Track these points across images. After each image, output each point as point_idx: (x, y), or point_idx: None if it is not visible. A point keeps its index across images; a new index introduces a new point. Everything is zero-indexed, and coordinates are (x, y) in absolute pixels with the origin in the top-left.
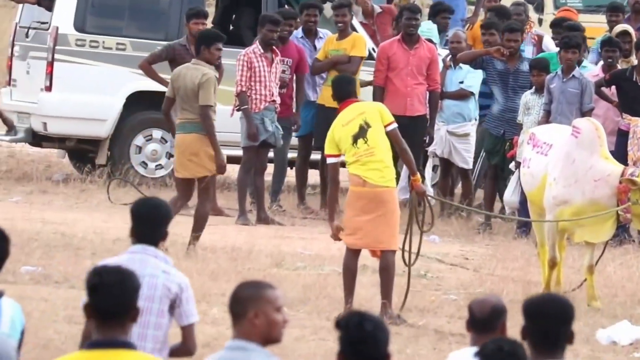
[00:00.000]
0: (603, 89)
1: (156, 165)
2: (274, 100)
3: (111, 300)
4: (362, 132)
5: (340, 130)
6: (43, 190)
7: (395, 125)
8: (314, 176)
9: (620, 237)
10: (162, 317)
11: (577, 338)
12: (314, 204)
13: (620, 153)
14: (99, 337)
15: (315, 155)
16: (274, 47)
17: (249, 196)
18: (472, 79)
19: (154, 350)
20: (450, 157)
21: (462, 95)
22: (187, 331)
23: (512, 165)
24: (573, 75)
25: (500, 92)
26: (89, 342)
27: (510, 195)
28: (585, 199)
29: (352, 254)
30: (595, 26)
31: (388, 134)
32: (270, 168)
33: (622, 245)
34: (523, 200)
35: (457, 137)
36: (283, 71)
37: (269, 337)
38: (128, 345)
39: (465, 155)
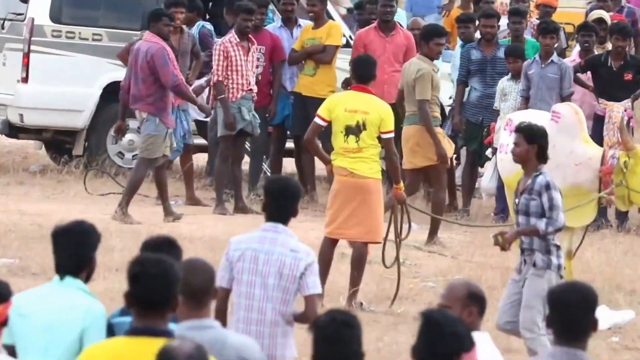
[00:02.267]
0: (578, 74)
1: (133, 156)
2: (251, 89)
3: (152, 291)
4: (357, 130)
5: (341, 111)
6: (20, 182)
7: (391, 135)
8: (291, 164)
9: (598, 222)
10: (288, 293)
11: None
12: None
13: (596, 138)
14: (139, 325)
15: (290, 144)
16: (250, 36)
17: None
18: None
19: (276, 322)
20: None
21: None
22: (309, 301)
23: (489, 152)
24: (552, 61)
25: (478, 80)
26: (129, 329)
27: (487, 181)
28: (567, 184)
29: (330, 243)
30: (573, 11)
31: (382, 139)
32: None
33: (600, 230)
34: (500, 186)
35: None
36: (257, 59)
37: None
38: (167, 334)
39: None
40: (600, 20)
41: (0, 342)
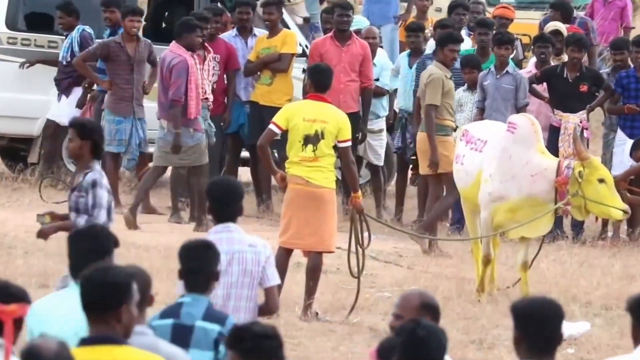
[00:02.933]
0: (534, 85)
1: None
2: (206, 98)
3: (95, 297)
4: (315, 139)
5: (300, 121)
6: None
7: (349, 143)
8: (246, 174)
9: (554, 233)
10: (252, 289)
11: (511, 335)
12: (248, 202)
13: (552, 149)
14: (90, 334)
15: (245, 154)
16: (205, 45)
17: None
18: (387, 76)
19: (247, 320)
20: (364, 154)
21: (378, 92)
22: (270, 292)
23: None
24: (507, 71)
25: None
26: (81, 339)
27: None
28: (522, 195)
29: (285, 253)
30: (529, 22)
31: (339, 148)
32: None
33: (556, 242)
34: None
35: (371, 134)
36: (212, 67)
37: None
38: (115, 341)
39: (379, 152)
40: (557, 32)
41: (13, 346)
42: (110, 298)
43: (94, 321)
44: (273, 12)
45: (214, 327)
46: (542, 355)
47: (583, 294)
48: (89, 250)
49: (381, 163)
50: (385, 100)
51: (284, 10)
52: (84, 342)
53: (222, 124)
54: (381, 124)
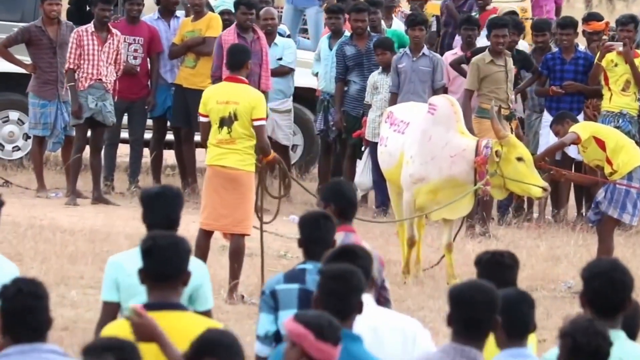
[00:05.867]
0: (464, 66)
1: (13, 147)
2: (100, 79)
3: (165, 263)
4: (229, 121)
5: (213, 103)
6: None
7: (263, 122)
8: (171, 156)
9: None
10: None
11: (437, 317)
12: (173, 184)
13: None
14: (153, 300)
15: (170, 136)
16: (109, 27)
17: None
18: (290, 55)
19: None
20: (272, 134)
21: (282, 72)
22: None
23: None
24: (423, 53)
25: (357, 74)
26: (144, 304)
27: (359, 175)
28: (443, 176)
29: (204, 234)
30: (436, 3)
31: (254, 127)
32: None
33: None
34: (377, 179)
35: (279, 114)
36: (135, 50)
37: None
38: (180, 307)
39: (287, 132)
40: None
41: None
42: (182, 262)
43: (160, 287)
44: None
45: None
46: (468, 340)
47: None
48: (168, 207)
49: (289, 143)
50: (290, 79)
51: None
52: (152, 307)
53: (146, 107)
54: (288, 103)
